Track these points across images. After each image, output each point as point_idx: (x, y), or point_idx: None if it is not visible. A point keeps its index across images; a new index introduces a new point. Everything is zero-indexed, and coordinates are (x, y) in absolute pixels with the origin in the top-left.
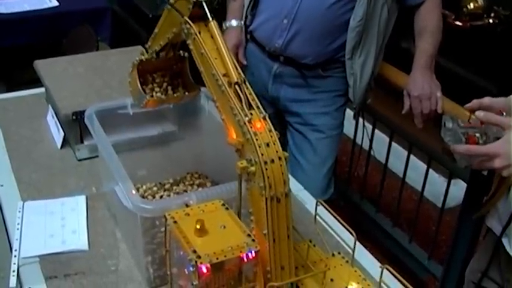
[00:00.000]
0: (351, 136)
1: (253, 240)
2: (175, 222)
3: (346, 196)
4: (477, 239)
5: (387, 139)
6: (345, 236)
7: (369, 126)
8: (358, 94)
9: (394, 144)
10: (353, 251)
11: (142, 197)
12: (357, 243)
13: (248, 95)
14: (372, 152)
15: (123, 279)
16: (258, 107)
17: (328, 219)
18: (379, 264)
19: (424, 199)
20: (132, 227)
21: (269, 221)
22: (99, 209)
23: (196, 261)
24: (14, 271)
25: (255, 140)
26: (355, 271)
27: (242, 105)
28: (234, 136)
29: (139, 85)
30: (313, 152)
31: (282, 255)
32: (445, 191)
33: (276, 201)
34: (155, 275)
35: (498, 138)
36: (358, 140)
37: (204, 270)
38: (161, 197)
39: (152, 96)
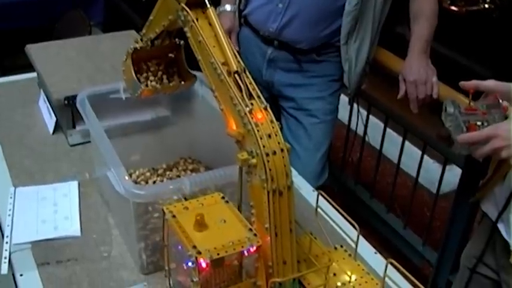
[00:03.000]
0: (346, 122)
1: (255, 234)
2: (173, 216)
3: (341, 182)
4: (472, 225)
5: (382, 125)
6: (344, 225)
7: (364, 112)
8: (353, 79)
9: (388, 130)
10: (356, 245)
11: (135, 182)
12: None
13: (248, 85)
14: (366, 138)
15: (115, 265)
16: (258, 97)
17: (326, 208)
18: (380, 256)
19: (418, 185)
20: (124, 212)
21: (271, 215)
22: (92, 194)
23: (196, 257)
24: (5, 258)
25: (256, 131)
26: (358, 265)
27: (242, 95)
28: (234, 127)
29: (133, 74)
30: (308, 137)
31: (284, 249)
32: (439, 176)
33: (278, 195)
34: (148, 261)
35: None
36: (353, 126)
37: (205, 266)
38: (154, 182)
39: (147, 85)
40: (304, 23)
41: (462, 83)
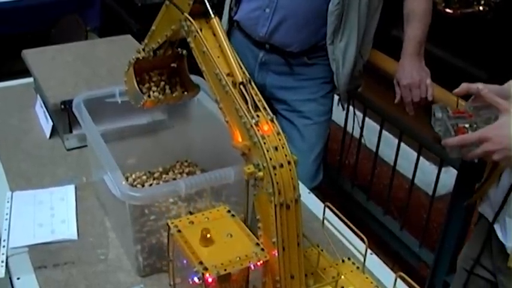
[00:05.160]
0: (342, 124)
1: (262, 249)
2: (179, 231)
3: (337, 184)
4: (468, 226)
5: (378, 127)
6: (351, 236)
7: (360, 114)
8: (342, 80)
9: (384, 132)
10: (364, 258)
11: (132, 185)
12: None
13: (254, 96)
14: (362, 140)
15: (112, 268)
16: (264, 109)
17: (332, 219)
18: (389, 270)
19: (415, 187)
20: (121, 215)
21: (278, 229)
22: (89, 198)
23: (203, 273)
24: (2, 261)
25: (262, 144)
26: (367, 278)
27: (248, 107)
28: (240, 139)
29: (136, 85)
30: (301, 139)
31: (292, 263)
32: (435, 178)
33: (285, 208)
34: (145, 264)
35: None
36: (349, 128)
37: (211, 282)
38: (150, 185)
39: (149, 96)
40: (292, 27)
41: (454, 92)
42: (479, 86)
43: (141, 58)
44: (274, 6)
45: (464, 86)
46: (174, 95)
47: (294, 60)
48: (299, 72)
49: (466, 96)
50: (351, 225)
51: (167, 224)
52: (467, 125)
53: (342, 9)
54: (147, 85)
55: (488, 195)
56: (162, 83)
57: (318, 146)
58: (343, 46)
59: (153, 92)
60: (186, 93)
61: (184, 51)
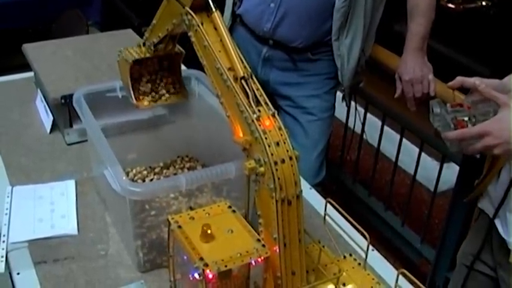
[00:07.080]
0: (344, 120)
1: (263, 245)
2: (179, 226)
3: (339, 180)
4: (469, 223)
5: (379, 123)
6: (352, 232)
7: (361, 110)
8: (347, 76)
9: (386, 127)
10: (366, 254)
11: (132, 180)
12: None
13: (255, 91)
14: (364, 136)
15: (112, 263)
16: (266, 103)
17: (333, 214)
18: (391, 266)
19: (416, 183)
20: (121, 210)
21: (279, 225)
22: (89, 193)
23: (203, 270)
24: (2, 256)
25: (264, 139)
26: (368, 274)
27: (249, 102)
28: (241, 134)
29: (131, 89)
30: (305, 135)
31: (293, 260)
32: (437, 174)
33: (286, 204)
34: (145, 259)
35: (486, 120)
36: (351, 124)
37: (212, 278)
38: (151, 180)
39: (139, 89)
40: (296, 22)
41: (448, 85)
42: (476, 81)
43: (139, 58)
44: (279, 0)
45: (459, 79)
46: (166, 98)
47: (297, 56)
48: (303, 68)
49: (464, 90)
50: (353, 221)
51: (167, 220)
52: (466, 118)
53: (348, 5)
54: (139, 80)
55: (487, 191)
56: (154, 77)
57: (322, 143)
58: (348, 43)
59: (145, 82)
60: (175, 91)
61: (183, 52)
